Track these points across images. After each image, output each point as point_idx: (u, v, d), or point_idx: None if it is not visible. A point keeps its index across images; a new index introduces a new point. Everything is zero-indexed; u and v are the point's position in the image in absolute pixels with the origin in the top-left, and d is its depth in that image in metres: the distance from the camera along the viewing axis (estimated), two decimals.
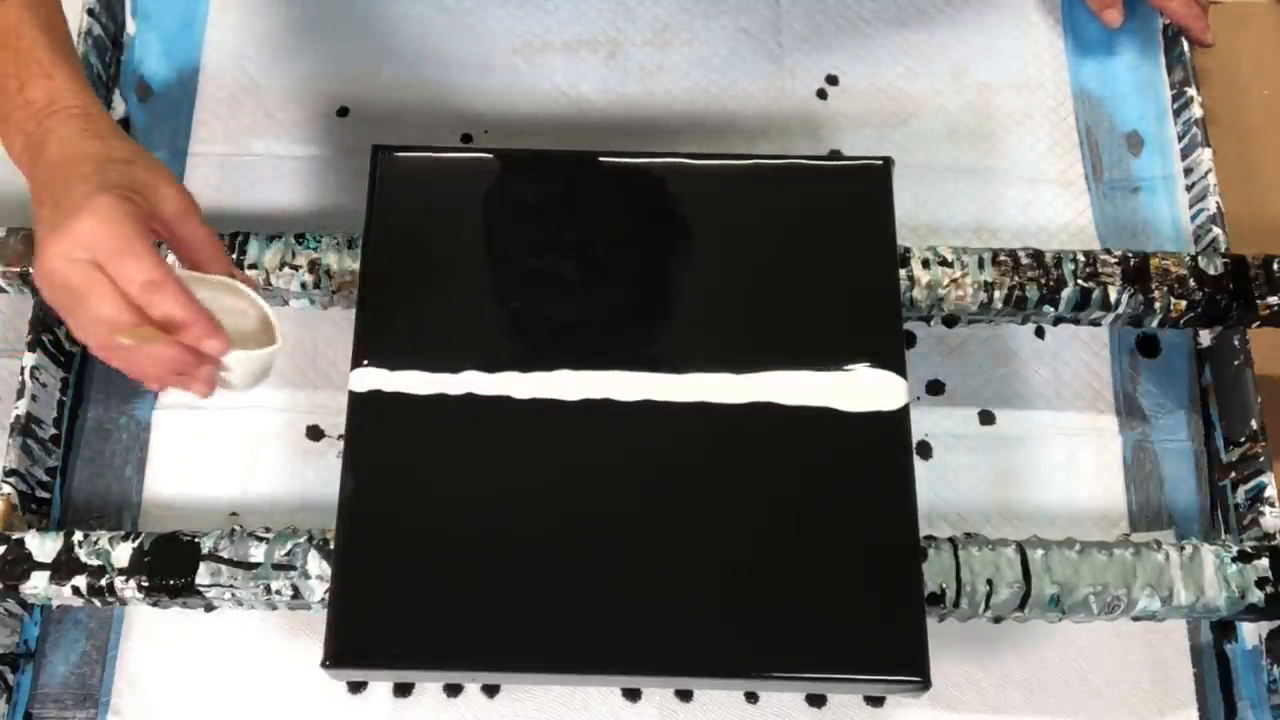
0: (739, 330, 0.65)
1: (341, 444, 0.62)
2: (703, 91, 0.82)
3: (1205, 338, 0.75)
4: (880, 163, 0.69)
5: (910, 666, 0.58)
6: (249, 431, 0.72)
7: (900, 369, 0.64)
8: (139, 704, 0.67)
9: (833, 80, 0.83)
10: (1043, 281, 0.69)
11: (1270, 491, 0.68)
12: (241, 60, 0.81)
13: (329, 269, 0.69)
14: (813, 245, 0.67)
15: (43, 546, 0.63)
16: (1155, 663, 0.69)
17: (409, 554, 0.60)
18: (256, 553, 0.62)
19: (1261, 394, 0.70)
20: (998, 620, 0.64)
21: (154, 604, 0.64)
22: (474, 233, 0.67)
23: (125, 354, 0.55)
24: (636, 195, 0.69)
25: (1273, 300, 0.69)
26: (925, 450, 0.73)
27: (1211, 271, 0.70)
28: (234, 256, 0.68)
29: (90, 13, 0.78)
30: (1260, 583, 0.63)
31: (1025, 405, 0.74)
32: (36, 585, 0.62)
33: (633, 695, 0.68)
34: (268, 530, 0.63)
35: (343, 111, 0.81)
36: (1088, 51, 0.84)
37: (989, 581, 0.62)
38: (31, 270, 0.60)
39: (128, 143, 0.57)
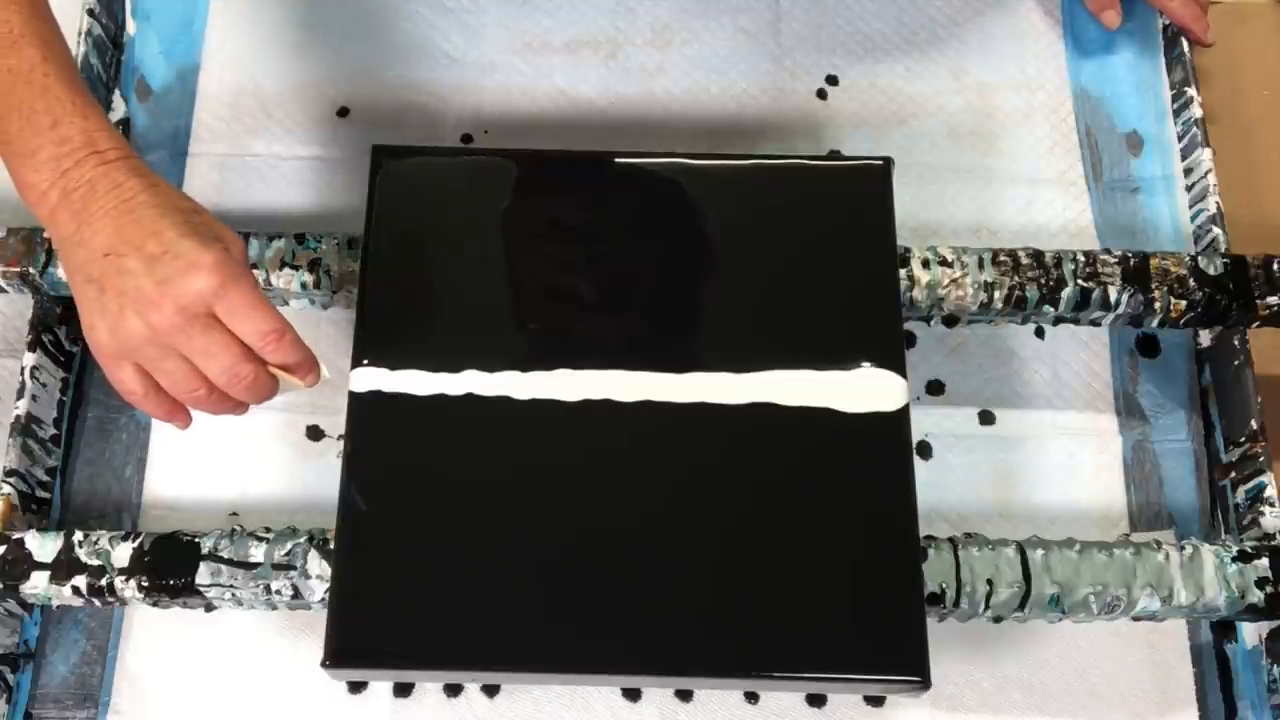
0: (739, 330, 0.65)
1: (341, 444, 0.62)
2: (703, 91, 0.82)
3: (1205, 338, 0.75)
4: (880, 163, 0.69)
5: (910, 666, 0.58)
6: (249, 431, 0.72)
7: (900, 369, 0.64)
8: (139, 704, 0.67)
9: (833, 80, 0.83)
10: (1043, 281, 0.69)
11: (1270, 491, 0.68)
12: (241, 60, 0.81)
13: (329, 269, 0.69)
14: (813, 245, 0.67)
15: (43, 546, 0.63)
16: (1155, 663, 0.69)
17: (409, 554, 0.60)
18: (256, 553, 0.62)
19: (1261, 394, 0.70)
20: (998, 620, 0.64)
21: (154, 604, 0.64)
22: (474, 233, 0.67)
23: (209, 401, 0.56)
24: (637, 195, 0.69)
25: (1272, 300, 0.69)
26: (925, 450, 0.73)
27: (1211, 271, 0.70)
28: None
29: (90, 13, 0.78)
30: (1260, 583, 0.63)
31: (1025, 405, 0.74)
32: (36, 585, 0.62)
33: (633, 695, 0.68)
34: (268, 530, 0.63)
35: (343, 111, 0.81)
36: (1088, 51, 0.84)
37: (989, 581, 0.62)
38: (103, 322, 0.55)
39: (181, 191, 0.57)
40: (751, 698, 0.67)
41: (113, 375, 0.57)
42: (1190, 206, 0.78)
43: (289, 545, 0.62)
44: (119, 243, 0.54)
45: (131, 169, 0.55)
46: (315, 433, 0.72)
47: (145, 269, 0.53)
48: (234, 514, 0.70)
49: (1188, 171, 0.79)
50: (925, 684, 0.58)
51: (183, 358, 0.55)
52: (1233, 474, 0.71)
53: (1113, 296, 0.69)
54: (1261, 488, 0.69)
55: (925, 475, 0.71)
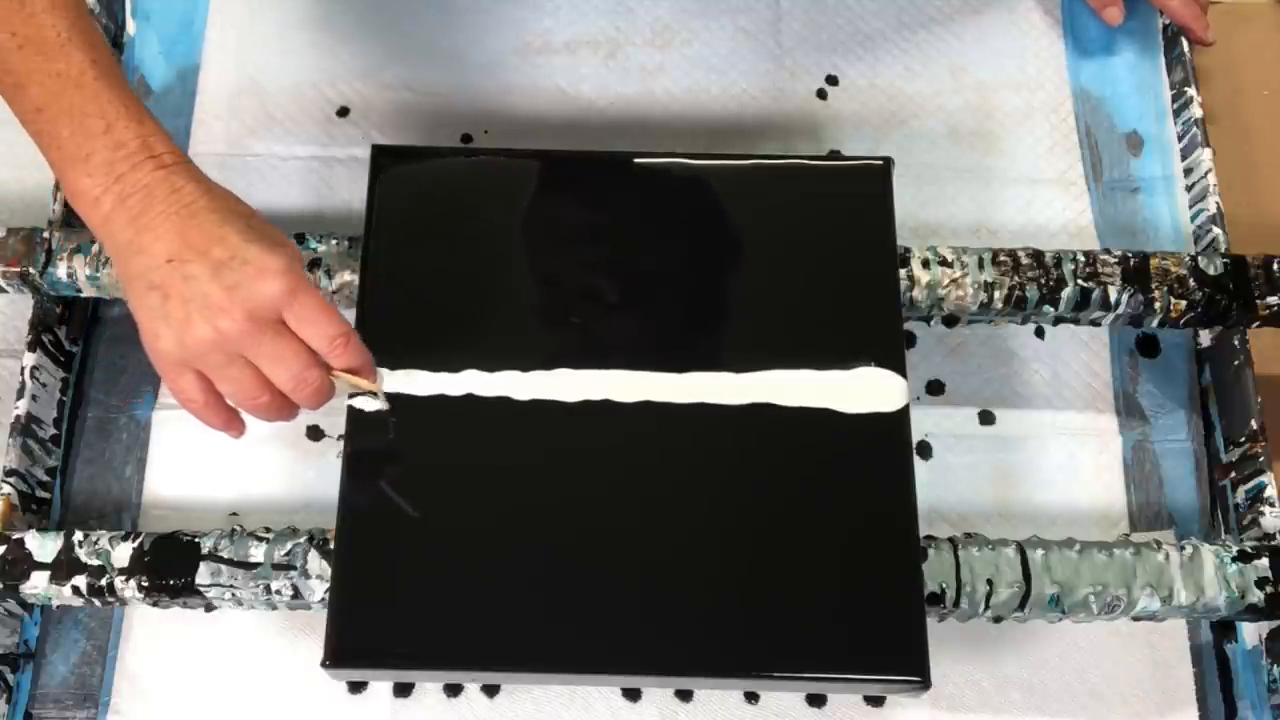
0: (739, 330, 0.65)
1: (341, 444, 0.62)
2: (703, 91, 0.82)
3: (1205, 338, 0.75)
4: (880, 163, 0.69)
5: (910, 666, 0.58)
6: (249, 431, 0.72)
7: (900, 369, 0.64)
8: (139, 704, 0.67)
9: (833, 80, 0.83)
10: (1043, 281, 0.69)
11: (1270, 491, 0.68)
12: (241, 60, 0.81)
13: (329, 269, 0.69)
14: (813, 245, 0.67)
15: (43, 546, 0.63)
16: (1155, 663, 0.69)
17: (409, 554, 0.60)
18: (256, 553, 0.62)
19: (1261, 394, 0.70)
20: (998, 620, 0.64)
21: (154, 604, 0.64)
22: (474, 233, 0.67)
23: (270, 408, 0.56)
24: (637, 196, 0.69)
25: (1272, 300, 0.69)
26: (925, 450, 0.73)
27: (1211, 271, 0.70)
28: None
29: (90, 13, 0.78)
30: (1260, 583, 0.63)
31: (1025, 405, 0.74)
32: (36, 585, 0.62)
33: (633, 695, 0.68)
34: (268, 530, 0.64)
35: (343, 111, 0.81)
36: (1088, 51, 0.84)
37: (989, 581, 0.62)
38: (167, 329, 0.54)
39: (236, 195, 0.57)
40: (751, 698, 0.67)
41: (173, 384, 0.56)
42: (1190, 206, 0.78)
43: (289, 545, 0.62)
44: (182, 248, 0.53)
45: (189, 173, 0.55)
46: (315, 433, 0.72)
47: (212, 274, 0.53)
48: (234, 514, 0.70)
49: (1188, 171, 0.79)
50: (925, 684, 0.58)
51: (248, 364, 0.55)
52: (1233, 474, 0.71)
53: (1113, 296, 0.69)
54: (1261, 488, 0.69)
55: (925, 475, 0.71)
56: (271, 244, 0.55)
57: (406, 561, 0.60)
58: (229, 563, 0.62)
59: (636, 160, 0.70)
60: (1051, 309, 0.69)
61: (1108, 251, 0.70)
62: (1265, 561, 0.64)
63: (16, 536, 0.63)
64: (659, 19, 0.84)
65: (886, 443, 0.62)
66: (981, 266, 0.69)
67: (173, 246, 0.53)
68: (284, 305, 0.54)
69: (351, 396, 0.61)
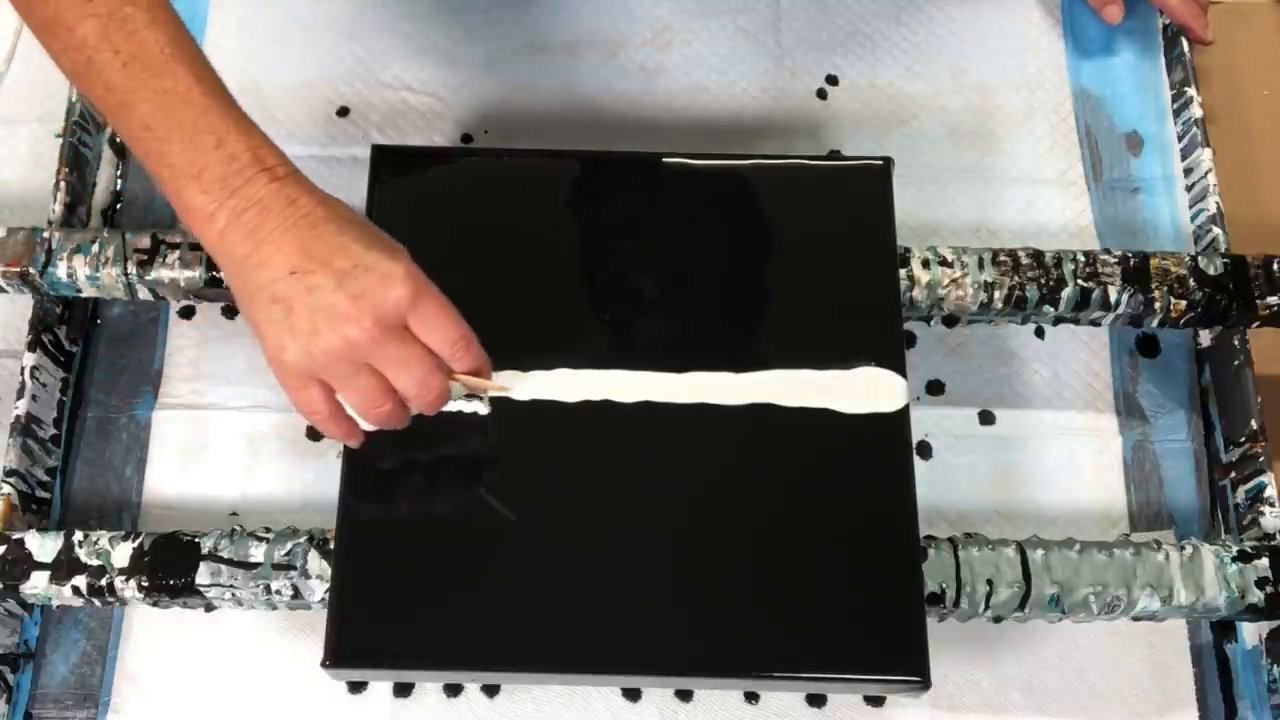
0: (739, 330, 0.65)
1: (341, 444, 0.62)
2: (703, 91, 0.82)
3: (1205, 338, 0.75)
4: (880, 163, 0.69)
5: (910, 666, 0.58)
6: (249, 431, 0.72)
7: (900, 369, 0.64)
8: (139, 704, 0.67)
9: (833, 80, 0.83)
10: (1043, 281, 0.69)
11: (1270, 491, 0.68)
12: (241, 60, 0.81)
13: None
14: (813, 245, 0.67)
15: (43, 546, 0.63)
16: (1155, 663, 0.69)
17: (409, 554, 0.60)
18: (256, 553, 0.62)
19: (1261, 394, 0.70)
20: (998, 620, 0.64)
21: (154, 604, 0.64)
22: (474, 233, 0.67)
23: (391, 415, 0.56)
24: (637, 195, 0.69)
25: (1272, 300, 0.69)
26: (925, 450, 0.73)
27: (1211, 271, 0.70)
28: None
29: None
30: (1260, 583, 0.63)
31: (1025, 405, 0.74)
32: (36, 585, 0.62)
33: (633, 695, 0.68)
34: (268, 530, 0.64)
35: (343, 111, 0.81)
36: (1088, 51, 0.84)
37: (989, 581, 0.62)
38: (294, 341, 0.53)
39: (345, 202, 0.57)
40: (751, 698, 0.67)
41: (297, 395, 0.56)
42: (1190, 206, 0.78)
43: (289, 545, 0.62)
44: (304, 260, 0.53)
45: (302, 184, 0.55)
46: (315, 433, 0.72)
47: (336, 284, 0.53)
48: (234, 514, 0.70)
49: (1188, 171, 0.79)
50: (925, 684, 0.58)
51: (374, 372, 0.55)
52: (1233, 474, 0.71)
53: (1113, 296, 0.69)
54: (1261, 488, 0.69)
55: (925, 475, 0.71)
56: (389, 249, 0.55)
57: (407, 561, 0.60)
58: (229, 563, 0.62)
59: (637, 161, 0.70)
60: (1051, 309, 0.69)
61: (1108, 251, 0.70)
62: (1265, 561, 0.64)
63: (16, 536, 0.63)
64: (659, 19, 0.84)
65: (886, 443, 0.62)
66: (981, 266, 0.69)
67: (294, 258, 0.53)
68: (409, 310, 0.54)
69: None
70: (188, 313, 0.75)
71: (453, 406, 0.60)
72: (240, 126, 0.54)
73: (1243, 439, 0.70)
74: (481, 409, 0.62)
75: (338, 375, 0.55)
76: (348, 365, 0.54)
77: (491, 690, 0.67)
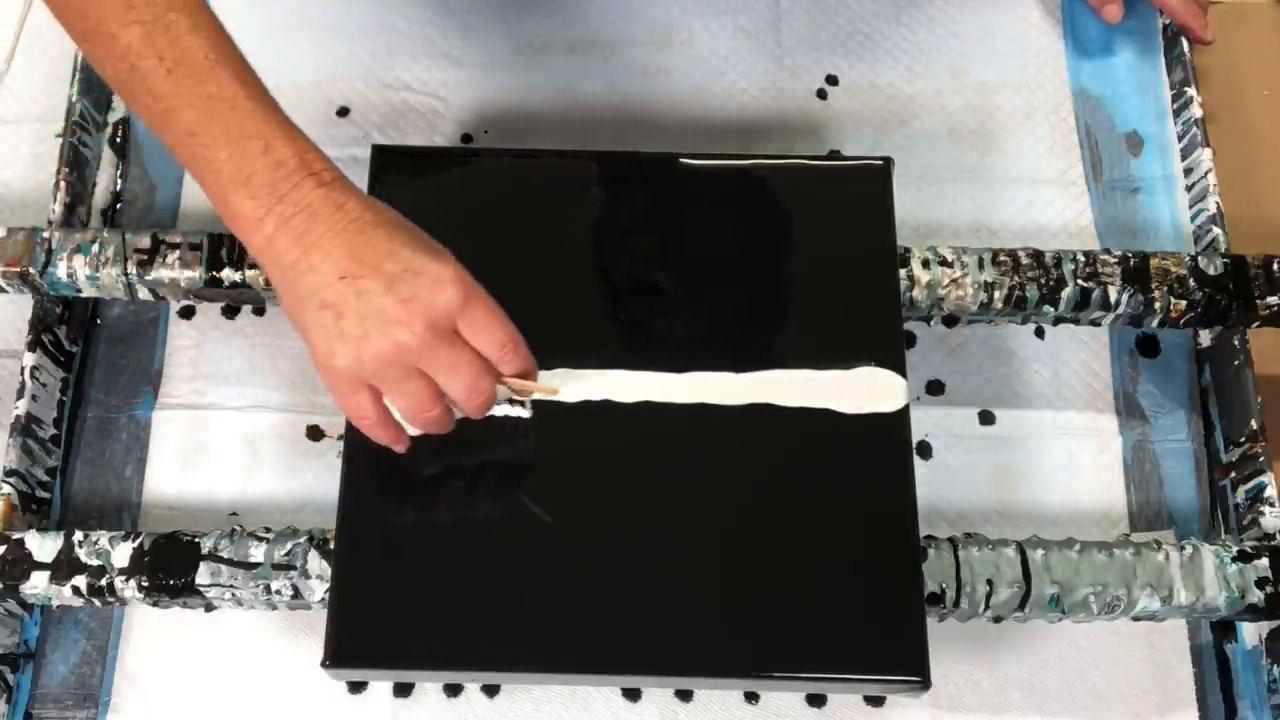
0: (739, 330, 0.65)
1: (341, 444, 0.62)
2: (703, 91, 0.82)
3: (1205, 338, 0.75)
4: (880, 163, 0.69)
5: (910, 666, 0.58)
6: (249, 431, 0.72)
7: (900, 369, 0.64)
8: (139, 704, 0.67)
9: (833, 80, 0.83)
10: (1043, 281, 0.69)
11: (1270, 491, 0.68)
12: None
13: None
14: (813, 245, 0.67)
15: (43, 546, 0.63)
16: (1155, 663, 0.69)
17: (409, 554, 0.60)
18: (256, 553, 0.62)
19: (1261, 394, 0.70)
20: (998, 620, 0.64)
21: (154, 604, 0.64)
22: (473, 233, 0.66)
23: (439, 420, 0.56)
24: (637, 195, 0.69)
25: (1272, 300, 0.69)
26: (925, 450, 0.73)
27: (1211, 271, 0.70)
28: (234, 257, 0.68)
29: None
30: (1260, 583, 0.63)
31: (1025, 405, 0.74)
32: (36, 585, 0.62)
33: (633, 695, 0.68)
34: (268, 530, 0.64)
35: (343, 111, 0.81)
36: (1088, 51, 0.84)
37: (989, 581, 0.62)
38: (342, 346, 0.53)
39: (387, 205, 0.56)
40: (751, 698, 0.67)
41: (347, 401, 0.56)
42: (1190, 206, 0.78)
43: (289, 545, 0.62)
44: (354, 264, 0.53)
45: (349, 189, 0.55)
46: (315, 433, 0.72)
47: (386, 288, 0.52)
48: (234, 514, 0.70)
49: (1188, 171, 0.79)
50: (925, 684, 0.58)
51: (423, 376, 0.54)
52: (1233, 474, 0.71)
53: (1113, 296, 0.69)
54: (1261, 488, 0.69)
55: (925, 475, 0.71)
56: (437, 253, 0.54)
57: (406, 561, 0.60)
58: (229, 563, 0.62)
59: (637, 161, 0.70)
60: (1051, 309, 0.69)
61: (1108, 251, 0.70)
62: (1265, 561, 0.64)
63: (16, 536, 0.63)
64: (659, 19, 0.84)
65: (886, 443, 0.62)
66: (981, 266, 0.69)
67: (344, 263, 0.53)
68: (459, 313, 0.54)
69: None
70: (188, 313, 0.75)
71: (496, 410, 0.60)
72: (286, 131, 0.54)
73: (1243, 439, 0.70)
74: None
75: (388, 380, 0.54)
76: (398, 370, 0.54)
77: (491, 690, 0.67)
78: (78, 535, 0.63)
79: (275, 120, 0.54)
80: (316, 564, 0.62)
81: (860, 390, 0.63)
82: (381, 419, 0.56)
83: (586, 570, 0.60)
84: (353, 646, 0.59)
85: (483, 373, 0.55)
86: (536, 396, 0.61)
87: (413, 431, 0.58)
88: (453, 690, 0.67)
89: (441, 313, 0.53)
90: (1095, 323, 0.71)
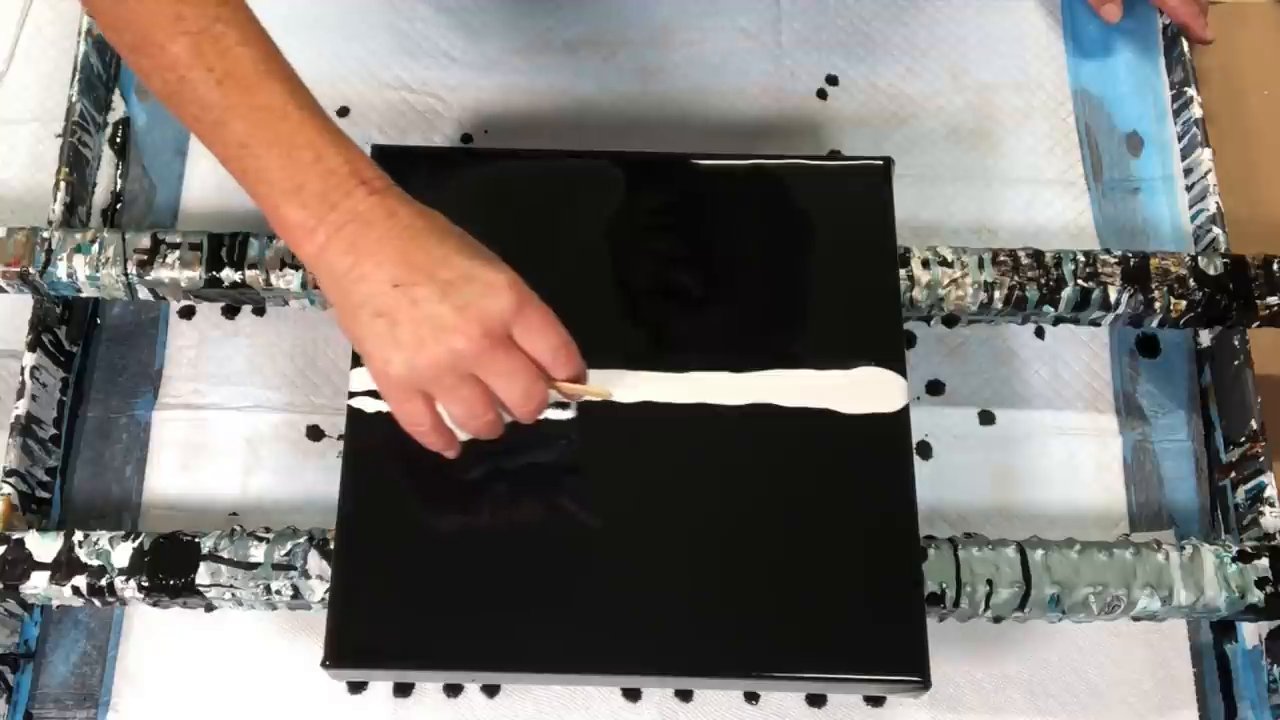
0: (739, 330, 0.65)
1: (341, 444, 0.62)
2: (703, 91, 0.82)
3: (1205, 338, 0.75)
4: (880, 163, 0.69)
5: (910, 666, 0.58)
6: (249, 431, 0.72)
7: (900, 369, 0.64)
8: (139, 704, 0.67)
9: (833, 80, 0.83)
10: (1043, 281, 0.69)
11: (1270, 491, 0.68)
12: None
13: None
14: (813, 245, 0.67)
15: (43, 546, 0.63)
16: (1155, 663, 0.69)
17: (409, 554, 0.60)
18: (256, 553, 0.62)
19: (1261, 394, 0.70)
20: (998, 620, 0.64)
21: (154, 604, 0.64)
22: (473, 233, 0.66)
23: (492, 426, 0.56)
24: (637, 195, 0.69)
25: (1272, 300, 0.69)
26: (925, 450, 0.73)
27: (1211, 271, 0.70)
28: (234, 257, 0.68)
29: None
30: (1260, 583, 0.63)
31: (1025, 405, 0.74)
32: (36, 585, 0.62)
33: (633, 695, 0.68)
34: (268, 530, 0.64)
35: (343, 111, 0.80)
36: (1087, 51, 0.84)
37: (989, 581, 0.62)
38: (399, 353, 0.53)
39: (436, 211, 0.56)
40: (751, 698, 0.67)
41: (401, 408, 0.55)
42: (1190, 206, 0.78)
43: (289, 545, 0.62)
44: (407, 272, 0.53)
45: (399, 196, 0.55)
46: (315, 433, 0.72)
47: (440, 296, 0.52)
48: (234, 514, 0.70)
49: (1188, 171, 0.79)
50: (925, 684, 0.58)
51: (478, 382, 0.54)
52: (1233, 474, 0.71)
53: (1113, 296, 0.69)
54: (1261, 488, 0.69)
55: (925, 475, 0.71)
56: (490, 259, 0.54)
57: (406, 561, 0.60)
58: (229, 563, 0.62)
59: (637, 161, 0.70)
60: (1051, 309, 0.69)
61: (1108, 251, 0.70)
62: (1265, 561, 0.64)
63: (16, 536, 0.63)
64: (659, 19, 0.84)
65: (886, 443, 0.62)
66: (981, 266, 0.69)
67: (397, 271, 0.53)
68: (513, 319, 0.53)
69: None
70: (188, 313, 0.75)
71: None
72: (336, 140, 0.54)
73: (1243, 439, 0.70)
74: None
75: (443, 387, 0.54)
76: (453, 377, 0.54)
77: (491, 690, 0.67)
78: (78, 535, 0.63)
79: (325, 129, 0.54)
80: (316, 564, 0.62)
81: (860, 390, 0.63)
82: (435, 425, 0.56)
83: (586, 570, 0.60)
84: (353, 647, 0.59)
85: (537, 378, 0.55)
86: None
87: (463, 437, 0.58)
88: (453, 690, 0.67)
89: (496, 319, 0.53)
90: (1095, 323, 0.71)
